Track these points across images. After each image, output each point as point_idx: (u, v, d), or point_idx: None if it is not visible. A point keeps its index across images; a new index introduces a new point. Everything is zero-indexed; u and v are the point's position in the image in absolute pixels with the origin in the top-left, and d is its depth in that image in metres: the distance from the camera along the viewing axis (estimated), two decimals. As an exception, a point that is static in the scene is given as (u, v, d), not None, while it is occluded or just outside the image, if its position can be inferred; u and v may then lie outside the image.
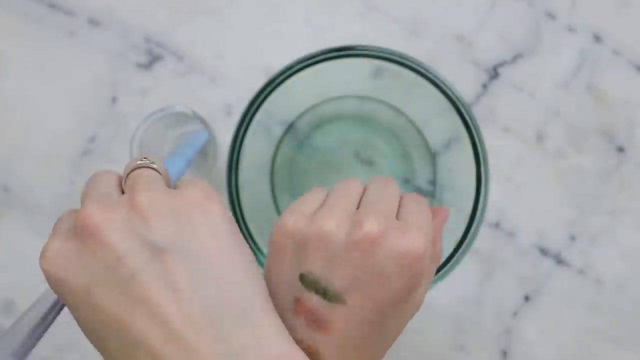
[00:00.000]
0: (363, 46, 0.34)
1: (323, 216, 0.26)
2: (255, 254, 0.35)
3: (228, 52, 0.45)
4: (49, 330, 0.44)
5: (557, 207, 0.44)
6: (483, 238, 0.44)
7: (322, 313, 0.25)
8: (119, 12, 0.45)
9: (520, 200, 0.44)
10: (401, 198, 0.28)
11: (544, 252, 0.44)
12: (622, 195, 0.44)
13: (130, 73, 0.45)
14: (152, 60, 0.45)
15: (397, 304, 0.25)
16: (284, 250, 0.26)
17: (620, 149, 0.44)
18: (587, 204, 0.44)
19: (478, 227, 0.34)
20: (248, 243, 0.35)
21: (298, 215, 0.27)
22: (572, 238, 0.44)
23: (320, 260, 0.25)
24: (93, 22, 0.45)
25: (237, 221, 0.35)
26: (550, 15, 0.45)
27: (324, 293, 0.25)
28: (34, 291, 0.45)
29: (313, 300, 0.25)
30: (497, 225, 0.44)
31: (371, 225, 0.25)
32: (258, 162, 0.40)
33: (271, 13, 0.45)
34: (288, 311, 0.26)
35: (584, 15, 0.45)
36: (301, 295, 0.26)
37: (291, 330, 0.25)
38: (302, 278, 0.26)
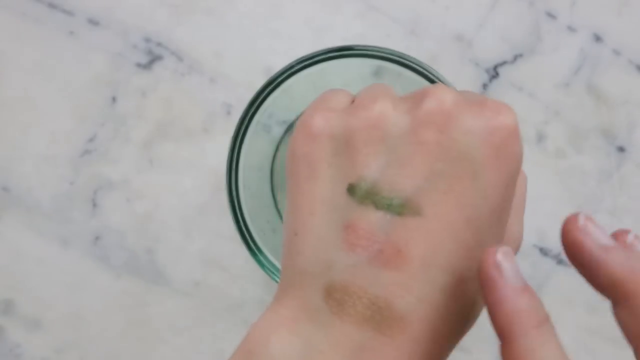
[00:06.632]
0: (363, 46, 0.34)
1: (368, 101, 0.18)
2: (255, 254, 0.35)
3: (228, 52, 0.45)
4: (49, 330, 0.44)
5: (557, 207, 0.44)
6: (483, 238, 0.44)
7: (391, 237, 0.16)
8: (119, 12, 0.45)
9: (520, 200, 0.44)
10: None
11: (544, 252, 0.44)
12: (622, 195, 0.44)
13: (130, 73, 0.45)
14: (152, 60, 0.45)
15: (493, 210, 0.16)
16: (315, 161, 0.18)
17: (621, 149, 0.44)
18: (587, 204, 0.44)
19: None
20: (248, 244, 0.35)
21: (326, 111, 0.19)
22: (572, 238, 0.44)
23: (374, 158, 0.17)
24: (93, 22, 0.45)
25: (237, 221, 0.35)
26: (551, 15, 0.45)
27: (388, 205, 0.16)
28: (33, 291, 0.45)
29: (372, 218, 0.16)
30: (497, 225, 0.44)
31: (442, 95, 0.17)
32: (258, 162, 0.40)
33: (271, 13, 0.45)
34: (336, 248, 0.16)
35: (584, 15, 0.45)
36: (352, 217, 0.17)
37: (347, 276, 0.16)
38: (352, 190, 0.17)
